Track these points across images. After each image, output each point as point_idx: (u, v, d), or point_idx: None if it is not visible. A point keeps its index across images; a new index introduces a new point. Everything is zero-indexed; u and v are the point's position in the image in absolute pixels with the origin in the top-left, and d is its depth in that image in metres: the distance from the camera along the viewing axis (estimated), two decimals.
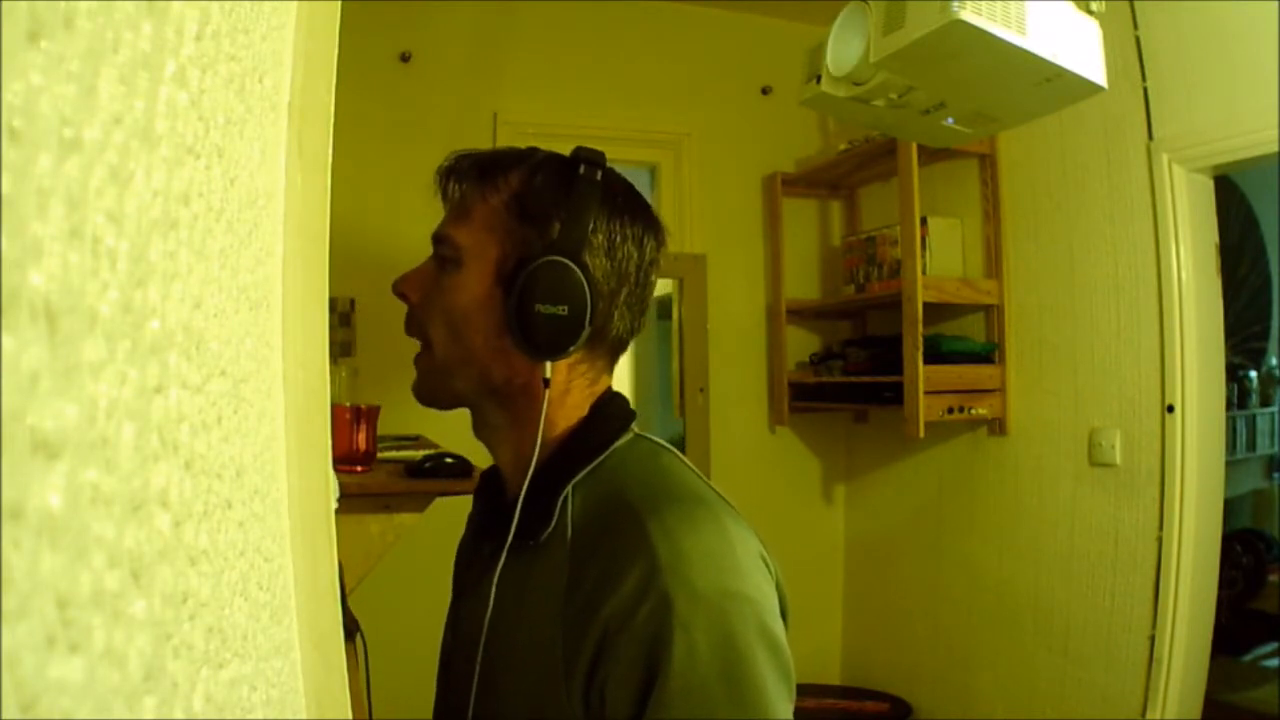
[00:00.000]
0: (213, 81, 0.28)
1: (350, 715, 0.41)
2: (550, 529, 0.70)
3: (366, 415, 1.49)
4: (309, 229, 0.40)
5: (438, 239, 0.76)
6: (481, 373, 0.74)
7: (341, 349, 2.53)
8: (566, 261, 0.70)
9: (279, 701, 0.33)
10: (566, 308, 0.69)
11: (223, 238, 0.29)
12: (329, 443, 0.42)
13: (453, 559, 0.89)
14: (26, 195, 0.18)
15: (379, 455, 1.59)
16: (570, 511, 0.71)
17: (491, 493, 0.81)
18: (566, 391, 0.75)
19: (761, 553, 0.70)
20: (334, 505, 0.42)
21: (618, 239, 0.73)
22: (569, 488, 0.72)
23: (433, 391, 0.77)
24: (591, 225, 0.72)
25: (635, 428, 0.77)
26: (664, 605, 0.61)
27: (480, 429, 0.79)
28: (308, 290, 0.39)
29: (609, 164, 0.76)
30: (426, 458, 1.49)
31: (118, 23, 0.22)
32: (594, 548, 0.67)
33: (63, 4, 0.20)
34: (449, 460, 1.48)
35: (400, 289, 0.77)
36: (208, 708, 0.26)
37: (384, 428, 1.62)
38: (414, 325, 0.77)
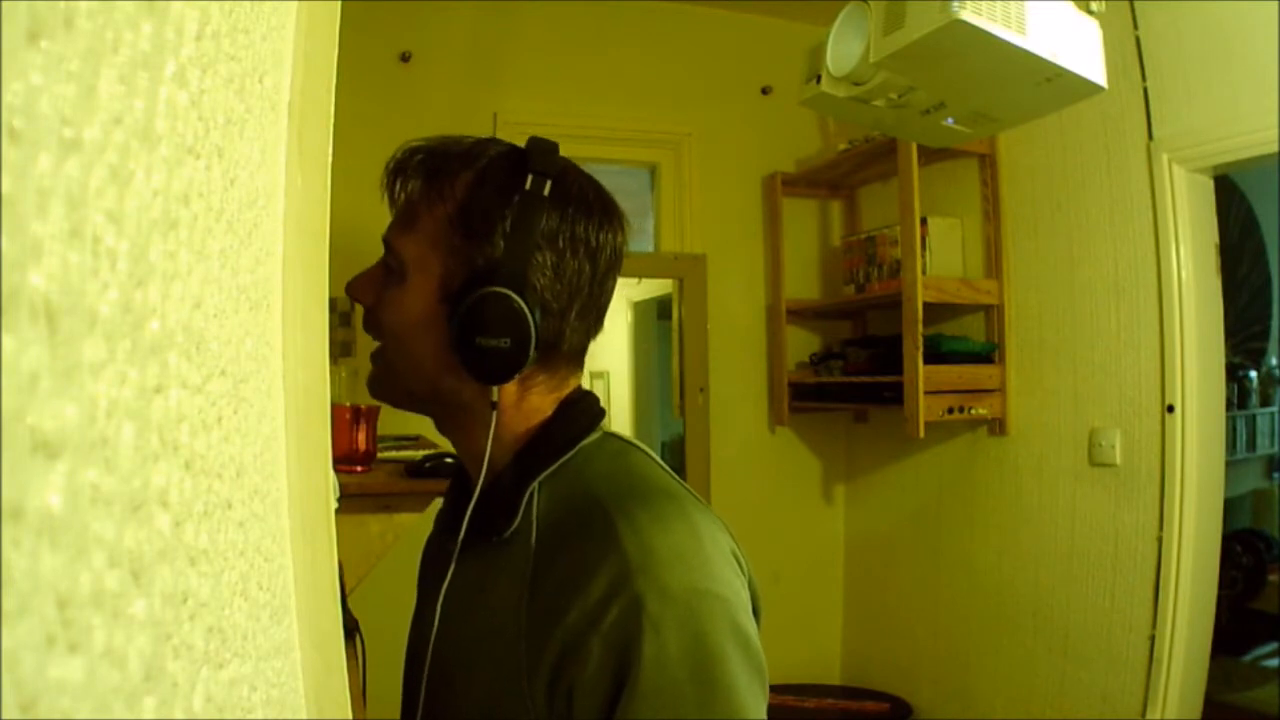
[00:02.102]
0: (213, 81, 0.28)
1: (350, 715, 0.41)
2: (515, 525, 0.70)
3: (366, 415, 1.50)
4: (309, 229, 0.40)
5: (386, 245, 0.74)
6: (431, 383, 0.73)
7: (341, 349, 2.53)
8: (509, 293, 0.67)
9: (279, 701, 0.33)
10: (509, 340, 0.67)
11: (223, 238, 0.29)
12: (329, 443, 0.42)
13: (419, 572, 0.89)
14: (26, 195, 0.18)
15: (379, 455, 1.59)
16: (536, 508, 0.70)
17: (460, 489, 0.81)
18: (523, 398, 0.73)
19: (733, 549, 0.69)
20: (334, 505, 0.42)
21: (568, 254, 0.70)
22: (535, 484, 0.71)
23: (386, 391, 0.76)
24: (537, 242, 0.68)
25: (604, 426, 0.76)
26: (634, 606, 0.60)
27: (440, 429, 0.78)
28: (308, 290, 0.39)
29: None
30: (426, 458, 1.49)
31: (118, 23, 0.22)
32: (560, 545, 0.67)
33: (63, 4, 0.20)
34: (449, 460, 1.48)
35: (353, 293, 0.75)
36: (208, 708, 0.26)
37: (384, 428, 1.62)
38: (372, 325, 0.76)
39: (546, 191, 0.69)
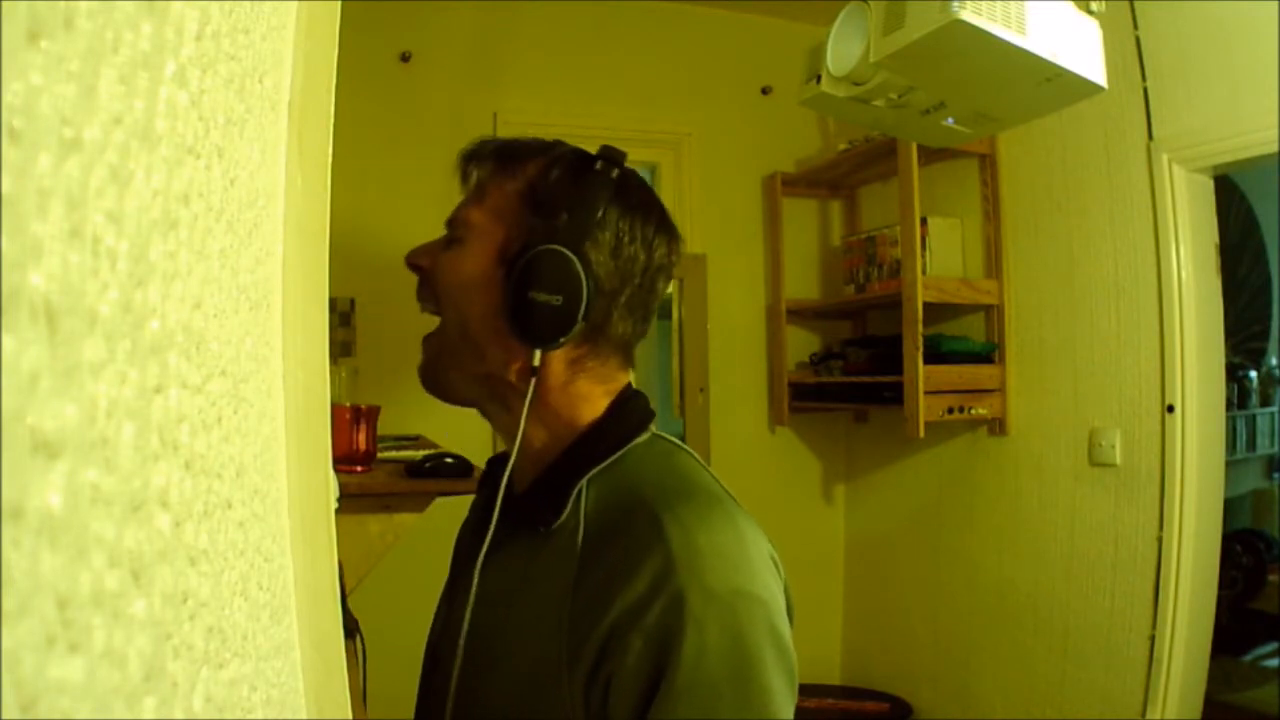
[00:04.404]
0: (213, 81, 0.28)
1: (350, 715, 0.41)
2: (562, 519, 0.71)
3: (366, 415, 1.50)
4: (309, 229, 0.40)
5: (450, 221, 0.77)
6: (478, 352, 0.74)
7: (341, 349, 2.54)
8: (567, 252, 0.69)
9: (279, 701, 0.33)
10: (561, 298, 0.69)
11: (223, 238, 0.29)
12: (329, 443, 0.42)
13: (452, 558, 0.89)
14: (26, 195, 0.18)
15: (379, 455, 1.59)
16: (584, 504, 0.71)
17: (499, 479, 0.82)
18: (570, 383, 0.74)
19: (772, 554, 0.70)
20: (334, 505, 0.42)
21: (625, 238, 0.73)
22: (584, 481, 0.72)
23: (435, 373, 0.78)
24: (599, 221, 0.71)
25: (654, 428, 0.78)
26: (677, 602, 0.61)
27: (488, 419, 0.79)
28: (308, 290, 0.39)
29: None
30: (426, 458, 1.49)
31: (118, 23, 0.22)
32: (607, 541, 0.68)
33: (63, 4, 0.20)
34: (449, 460, 1.48)
35: (412, 259, 0.78)
36: (208, 708, 0.26)
37: (384, 428, 1.62)
38: (426, 293, 0.78)
39: (614, 176, 0.73)
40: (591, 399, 0.75)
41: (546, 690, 0.65)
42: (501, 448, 0.83)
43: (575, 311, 0.70)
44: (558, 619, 0.66)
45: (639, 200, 0.75)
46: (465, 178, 0.77)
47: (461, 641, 0.73)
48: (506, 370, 0.73)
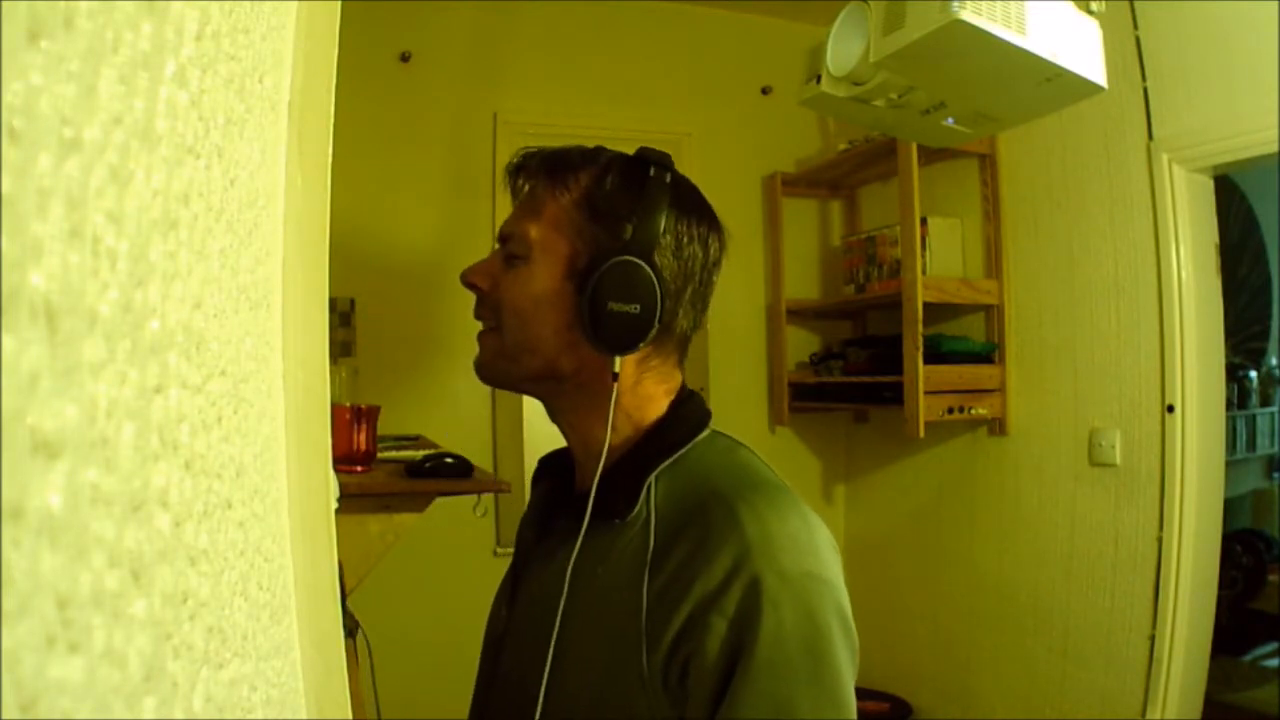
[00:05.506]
0: (213, 81, 0.28)
1: (350, 715, 0.41)
2: (635, 511, 0.73)
3: (366, 415, 1.49)
4: (309, 229, 0.40)
5: (505, 236, 0.78)
6: (548, 361, 0.76)
7: (341, 349, 2.53)
8: (640, 262, 0.72)
9: (279, 701, 0.33)
10: (638, 306, 0.72)
11: (223, 238, 0.29)
12: (329, 443, 0.42)
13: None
14: (26, 195, 0.18)
15: (379, 455, 1.59)
16: (654, 497, 0.74)
17: (565, 476, 0.85)
18: (638, 383, 0.77)
19: (832, 541, 0.74)
20: (334, 505, 0.42)
21: (685, 239, 0.76)
22: (652, 477, 0.74)
23: (497, 372, 0.79)
24: (661, 225, 0.74)
25: (712, 425, 0.81)
26: (755, 585, 0.65)
27: (552, 415, 0.82)
28: (308, 290, 0.39)
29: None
30: (426, 458, 1.49)
31: (118, 23, 0.22)
32: (681, 529, 0.70)
33: (63, 4, 0.20)
34: (449, 460, 1.48)
35: (469, 279, 0.79)
36: (208, 708, 0.26)
37: (384, 428, 1.62)
38: (485, 310, 0.79)
39: (668, 181, 0.76)
40: (655, 398, 0.78)
41: (625, 672, 0.68)
42: (546, 447, 0.86)
43: (652, 318, 0.73)
44: (634, 605, 0.69)
45: (693, 202, 0.79)
46: (516, 192, 0.79)
47: (555, 630, 0.74)
48: (579, 376, 0.76)
